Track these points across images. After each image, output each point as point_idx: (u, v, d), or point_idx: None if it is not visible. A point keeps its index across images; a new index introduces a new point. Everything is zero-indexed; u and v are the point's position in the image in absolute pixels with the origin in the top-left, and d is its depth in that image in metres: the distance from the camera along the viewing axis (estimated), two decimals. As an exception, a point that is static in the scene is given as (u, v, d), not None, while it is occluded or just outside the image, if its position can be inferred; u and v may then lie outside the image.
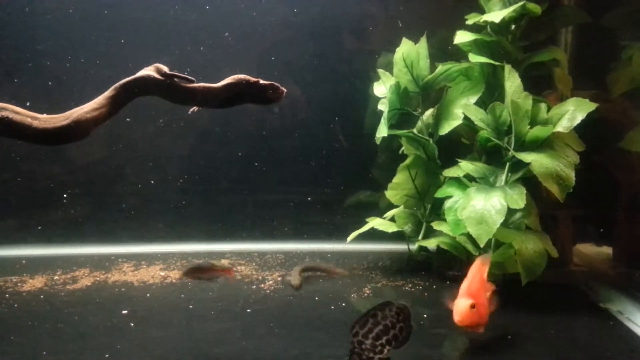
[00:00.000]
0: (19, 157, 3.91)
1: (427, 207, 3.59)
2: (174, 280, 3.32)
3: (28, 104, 2.41)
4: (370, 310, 1.97)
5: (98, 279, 3.35)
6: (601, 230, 3.80)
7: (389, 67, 3.59)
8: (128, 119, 3.87)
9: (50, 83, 3.83)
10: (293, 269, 3.41)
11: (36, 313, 2.79)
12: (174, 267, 3.59)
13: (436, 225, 3.29)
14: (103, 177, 4.11)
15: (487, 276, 2.46)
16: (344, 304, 2.97)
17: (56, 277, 3.35)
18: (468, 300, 2.27)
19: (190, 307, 2.91)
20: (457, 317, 2.27)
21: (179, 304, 2.95)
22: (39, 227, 4.03)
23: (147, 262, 3.69)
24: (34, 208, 4.05)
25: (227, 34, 3.94)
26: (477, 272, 2.41)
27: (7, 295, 3.03)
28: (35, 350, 2.37)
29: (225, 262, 3.70)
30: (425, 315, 2.76)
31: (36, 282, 3.25)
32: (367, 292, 3.17)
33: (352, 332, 1.93)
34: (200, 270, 2.96)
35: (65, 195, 4.01)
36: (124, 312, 2.81)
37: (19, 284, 3.22)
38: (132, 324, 2.67)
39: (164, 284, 3.26)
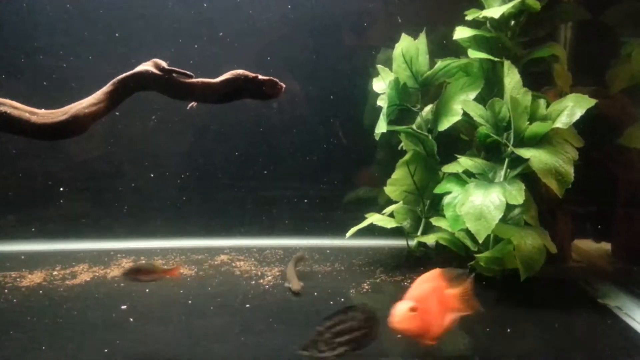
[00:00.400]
0: (18, 152, 3.90)
1: (426, 203, 3.59)
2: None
3: (26, 99, 2.40)
4: (345, 308, 2.00)
5: (97, 274, 3.35)
6: (600, 226, 3.80)
7: (388, 63, 3.58)
8: (125, 115, 3.86)
9: (46, 82, 3.81)
10: (287, 271, 3.29)
11: (35, 308, 2.79)
12: (172, 263, 3.59)
13: (435, 221, 3.29)
14: (102, 172, 4.10)
15: (465, 293, 2.23)
16: (342, 300, 2.97)
17: (55, 273, 3.36)
18: (407, 303, 2.06)
19: (189, 302, 2.91)
20: (392, 319, 2.04)
21: (178, 300, 2.95)
22: (38, 223, 4.03)
23: (146, 257, 3.69)
24: (32, 204, 4.04)
25: (226, 29, 3.94)
26: (431, 281, 2.21)
27: (5, 291, 3.03)
28: (34, 345, 2.37)
29: (219, 261, 3.71)
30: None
31: (35, 278, 3.25)
32: (366, 287, 3.17)
33: (322, 320, 1.97)
34: (140, 272, 2.85)
35: (63, 191, 4.00)
36: (123, 307, 2.82)
37: (17, 279, 3.22)
38: (131, 319, 2.67)
39: (163, 279, 3.25)
